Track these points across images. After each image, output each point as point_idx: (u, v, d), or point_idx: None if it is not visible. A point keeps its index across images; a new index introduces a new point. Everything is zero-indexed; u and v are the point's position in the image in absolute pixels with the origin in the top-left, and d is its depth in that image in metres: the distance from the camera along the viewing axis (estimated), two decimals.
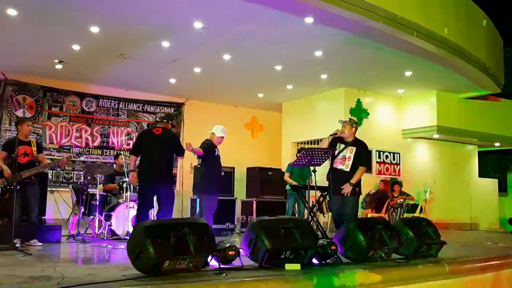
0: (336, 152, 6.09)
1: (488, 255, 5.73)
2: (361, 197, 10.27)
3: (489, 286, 5.16)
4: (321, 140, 7.10)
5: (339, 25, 7.45)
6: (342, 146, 6.09)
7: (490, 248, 6.91)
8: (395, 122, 12.05)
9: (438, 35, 8.30)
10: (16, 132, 6.42)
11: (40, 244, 6.10)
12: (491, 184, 14.74)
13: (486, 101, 12.53)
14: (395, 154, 11.94)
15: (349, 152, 6.03)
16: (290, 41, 8.18)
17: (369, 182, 11.05)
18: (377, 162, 11.57)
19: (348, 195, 5.87)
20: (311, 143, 11.78)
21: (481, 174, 14.31)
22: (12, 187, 5.73)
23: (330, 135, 6.19)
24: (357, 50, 8.64)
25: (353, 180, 5.88)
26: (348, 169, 5.96)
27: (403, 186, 10.66)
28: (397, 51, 8.59)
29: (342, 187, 5.88)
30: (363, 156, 6.14)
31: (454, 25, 8.86)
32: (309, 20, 7.19)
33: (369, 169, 5.90)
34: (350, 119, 6.36)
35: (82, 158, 10.87)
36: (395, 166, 11.93)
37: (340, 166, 6.02)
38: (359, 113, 11.29)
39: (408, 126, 11.98)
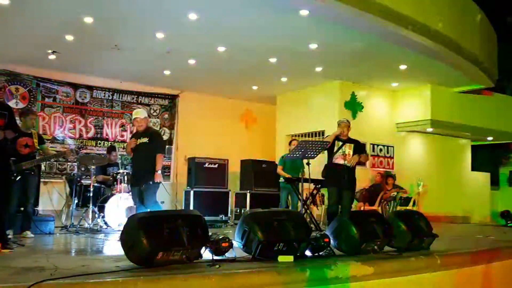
0: (335, 150, 6.71)
1: (479, 248, 5.78)
2: (356, 190, 10.42)
3: (480, 278, 5.21)
4: (325, 136, 7.65)
5: (334, 18, 7.44)
6: (340, 143, 6.73)
7: (481, 241, 6.97)
8: (389, 116, 12.08)
9: (433, 29, 8.32)
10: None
11: (33, 236, 6.08)
12: (483, 177, 14.83)
13: (480, 95, 12.58)
14: (389, 147, 11.99)
15: (348, 149, 6.69)
16: (285, 33, 8.16)
17: (364, 175, 11.11)
18: (371, 155, 11.61)
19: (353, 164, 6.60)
20: (305, 136, 11.79)
21: (473, 168, 14.40)
22: (13, 177, 5.69)
23: (335, 135, 6.80)
24: (352, 43, 8.63)
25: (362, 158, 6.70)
26: (350, 164, 6.62)
27: (397, 179, 10.70)
28: (391, 45, 8.59)
29: (344, 179, 6.51)
30: (363, 150, 7.18)
31: (448, 19, 8.88)
32: (304, 12, 7.16)
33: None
34: (347, 120, 7.00)
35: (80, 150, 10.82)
36: (389, 159, 11.99)
37: (342, 162, 6.63)
38: (353, 106, 11.30)
39: (402, 120, 12.02)
